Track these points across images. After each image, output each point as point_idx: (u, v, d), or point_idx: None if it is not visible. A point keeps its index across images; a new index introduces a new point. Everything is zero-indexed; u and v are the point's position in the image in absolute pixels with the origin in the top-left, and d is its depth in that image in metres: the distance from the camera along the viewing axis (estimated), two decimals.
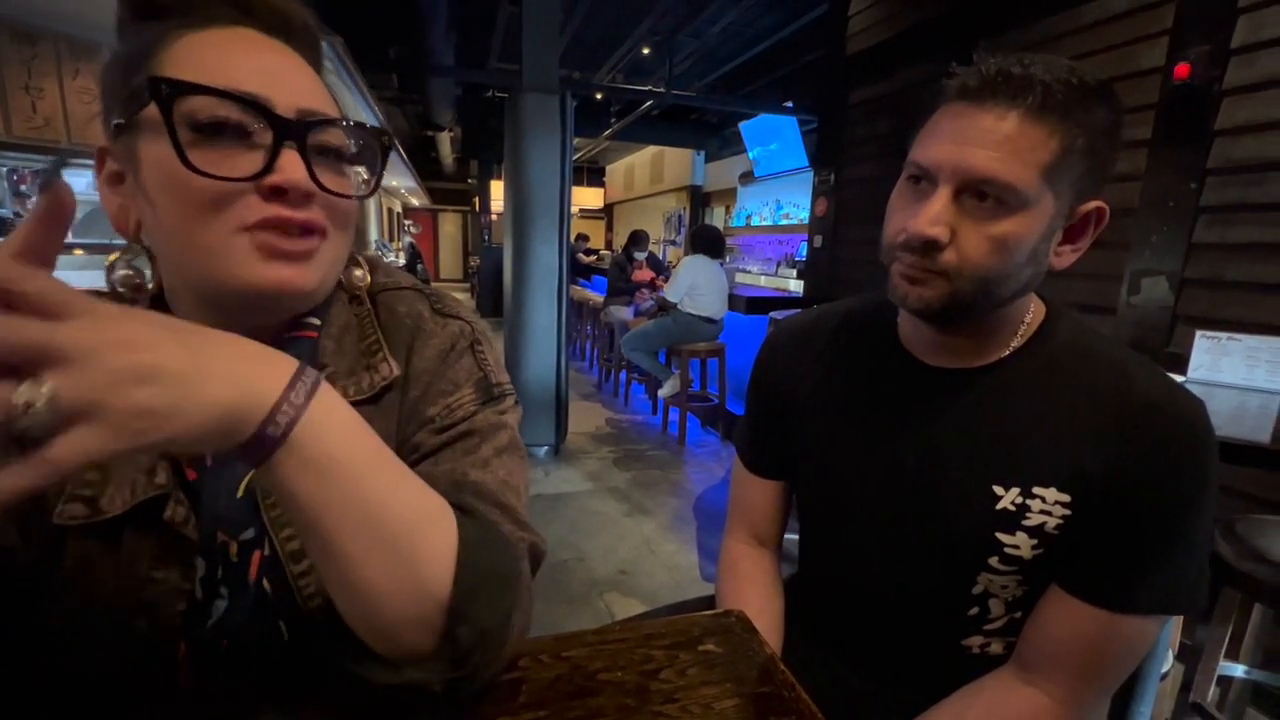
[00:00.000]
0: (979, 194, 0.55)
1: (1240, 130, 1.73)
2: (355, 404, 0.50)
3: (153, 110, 0.40)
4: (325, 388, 0.36)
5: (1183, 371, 1.60)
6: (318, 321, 0.52)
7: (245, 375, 0.33)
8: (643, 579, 2.22)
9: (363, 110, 4.77)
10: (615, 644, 0.56)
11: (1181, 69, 1.82)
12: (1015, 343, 0.64)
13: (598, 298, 5.48)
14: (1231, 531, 1.12)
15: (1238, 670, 1.29)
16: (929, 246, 0.56)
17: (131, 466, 0.47)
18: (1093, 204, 0.58)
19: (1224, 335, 1.56)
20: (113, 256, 0.47)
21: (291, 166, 0.42)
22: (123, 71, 0.43)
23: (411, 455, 0.50)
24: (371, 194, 0.50)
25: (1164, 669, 1.15)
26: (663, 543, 2.49)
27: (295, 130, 0.43)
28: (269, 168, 0.42)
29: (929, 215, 0.56)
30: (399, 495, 0.39)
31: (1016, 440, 0.61)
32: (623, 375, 4.67)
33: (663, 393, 3.83)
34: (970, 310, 0.59)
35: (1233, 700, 1.35)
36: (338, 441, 0.36)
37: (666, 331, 3.70)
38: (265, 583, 0.49)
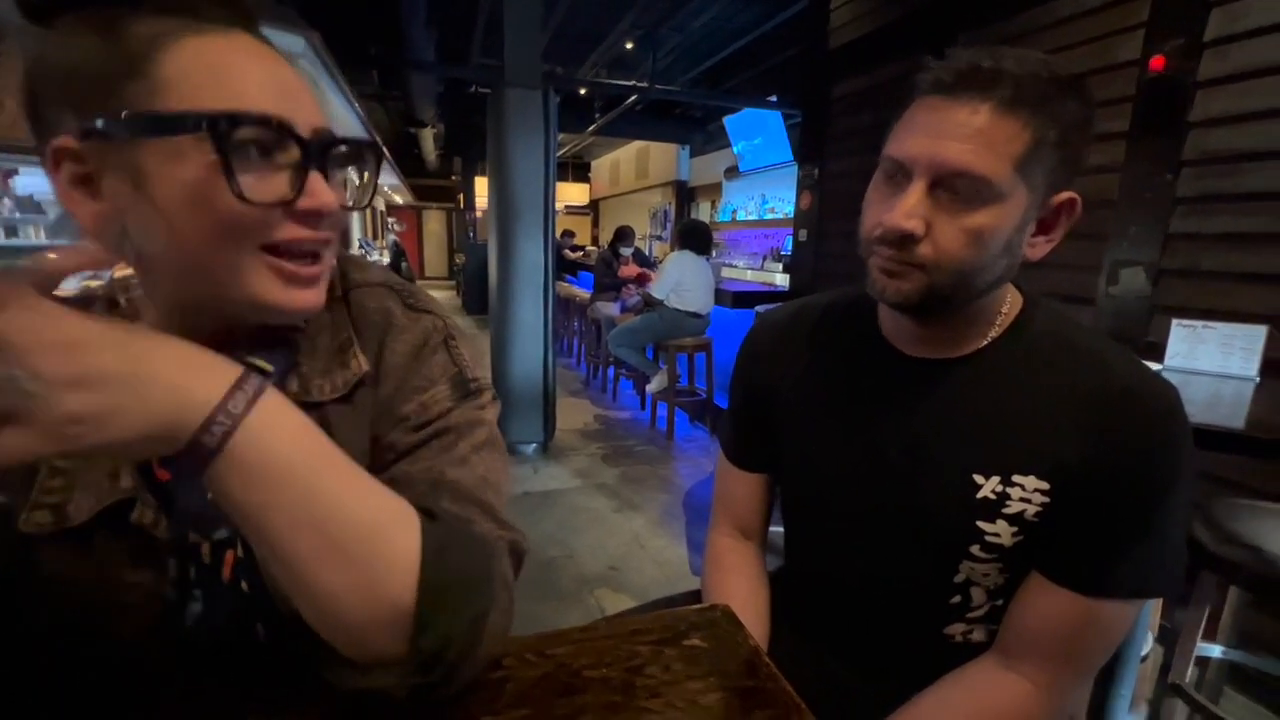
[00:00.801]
0: (953, 187, 0.55)
1: (1214, 122, 1.75)
2: (330, 403, 0.50)
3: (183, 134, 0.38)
4: (271, 394, 0.36)
5: (1160, 359, 1.62)
6: (303, 325, 0.52)
7: (184, 383, 0.32)
8: (633, 575, 2.22)
9: (343, 108, 4.72)
10: (600, 641, 0.56)
11: (1156, 61, 1.84)
12: (994, 333, 0.65)
13: (584, 294, 5.46)
14: (1208, 516, 1.14)
15: (1215, 651, 1.32)
16: (905, 240, 0.57)
17: (95, 471, 0.46)
18: (1065, 195, 0.58)
19: (1200, 323, 1.58)
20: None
21: (320, 189, 0.43)
22: (104, 74, 0.39)
23: (388, 455, 0.50)
24: (368, 205, 0.51)
25: (1144, 651, 1.17)
26: (652, 538, 2.49)
27: (316, 151, 0.43)
28: (300, 190, 0.42)
29: (904, 209, 0.56)
30: (351, 499, 0.39)
31: (996, 429, 0.62)
32: (610, 371, 4.66)
33: (650, 388, 3.83)
34: (948, 302, 0.60)
35: (1211, 680, 1.38)
36: (281, 449, 0.36)
37: (653, 327, 3.70)
38: (243, 584, 0.49)
